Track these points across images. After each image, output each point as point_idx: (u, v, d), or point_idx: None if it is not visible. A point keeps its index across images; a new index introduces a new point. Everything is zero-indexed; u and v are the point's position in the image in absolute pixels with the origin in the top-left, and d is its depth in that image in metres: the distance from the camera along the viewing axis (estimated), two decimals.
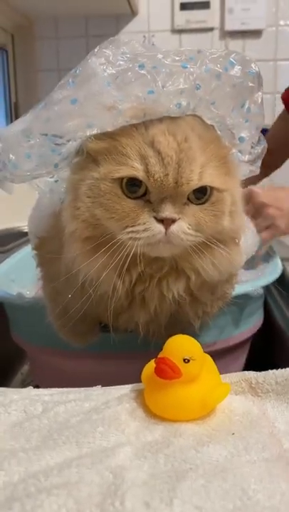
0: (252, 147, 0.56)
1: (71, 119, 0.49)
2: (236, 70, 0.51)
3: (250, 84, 0.53)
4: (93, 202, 0.48)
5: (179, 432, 0.39)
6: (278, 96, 1.67)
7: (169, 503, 0.31)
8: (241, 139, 0.55)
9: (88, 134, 0.50)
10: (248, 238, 0.71)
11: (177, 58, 0.50)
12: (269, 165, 1.10)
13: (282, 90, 1.68)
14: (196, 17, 1.69)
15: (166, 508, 0.30)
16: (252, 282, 0.71)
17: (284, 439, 0.38)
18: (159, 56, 0.49)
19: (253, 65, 0.52)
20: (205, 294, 0.55)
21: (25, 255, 0.90)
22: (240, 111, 0.53)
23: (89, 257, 0.50)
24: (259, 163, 0.57)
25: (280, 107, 1.67)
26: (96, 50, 0.50)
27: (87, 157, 0.51)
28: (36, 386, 0.61)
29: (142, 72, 0.48)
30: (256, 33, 1.64)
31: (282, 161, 1.33)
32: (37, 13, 1.63)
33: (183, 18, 1.70)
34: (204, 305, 0.57)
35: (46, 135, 0.50)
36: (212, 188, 0.49)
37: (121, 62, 0.49)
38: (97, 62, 0.49)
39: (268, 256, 0.86)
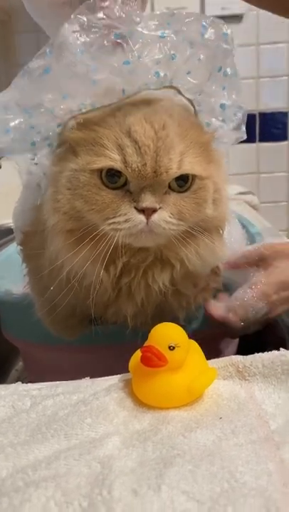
0: (234, 114, 0.55)
1: (46, 91, 0.48)
2: (210, 34, 0.50)
3: (225, 46, 0.51)
4: (73, 194, 0.48)
5: (167, 419, 0.39)
6: (261, 81, 1.67)
7: (157, 490, 0.31)
8: (222, 106, 0.54)
9: (62, 107, 0.49)
10: (235, 233, 0.70)
11: (154, 24, 0.48)
12: None
13: (265, 75, 1.68)
14: (176, 3, 1.68)
15: (154, 494, 0.30)
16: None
17: (271, 420, 0.38)
18: (136, 20, 0.48)
19: (224, 27, 0.51)
20: (187, 285, 0.55)
21: (14, 252, 0.89)
22: (217, 76, 0.52)
23: (72, 249, 0.49)
24: (243, 127, 0.56)
25: (264, 91, 1.67)
26: (72, 16, 0.48)
27: (68, 148, 0.50)
28: (31, 382, 0.61)
29: (118, 41, 0.47)
30: (237, 18, 1.63)
31: None
32: (15, 7, 1.61)
33: (163, 4, 1.69)
34: (187, 296, 0.57)
35: (25, 109, 0.49)
36: (193, 176, 0.49)
37: (96, 30, 0.47)
38: (70, 29, 0.47)
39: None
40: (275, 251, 0.59)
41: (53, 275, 0.53)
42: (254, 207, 1.50)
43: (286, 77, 1.66)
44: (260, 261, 0.60)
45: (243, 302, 0.57)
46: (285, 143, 1.69)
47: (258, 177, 1.71)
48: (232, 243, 0.64)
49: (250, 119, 1.64)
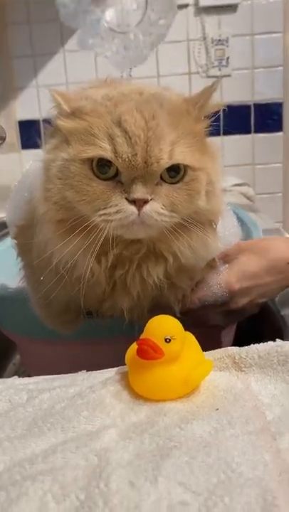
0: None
1: None
2: None
3: None
4: (63, 184, 0.48)
5: (163, 411, 0.39)
6: (256, 71, 1.66)
7: (154, 481, 0.31)
8: None
9: None
10: (229, 227, 0.70)
11: None
12: None
13: (260, 65, 1.67)
14: None
15: (151, 486, 0.31)
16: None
17: (268, 411, 0.38)
18: None
19: None
20: (183, 279, 0.55)
21: (9, 246, 0.89)
22: None
23: (62, 239, 0.49)
24: None
25: (259, 82, 1.66)
26: None
27: (61, 137, 0.50)
28: (28, 376, 0.61)
29: None
30: (231, 8, 1.61)
31: None
32: None
33: None
34: (184, 290, 0.57)
35: None
36: (186, 167, 0.48)
37: None
38: None
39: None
40: (239, 247, 0.63)
41: (42, 265, 0.53)
42: (249, 198, 1.50)
43: (281, 68, 1.64)
44: (226, 256, 0.62)
45: (207, 286, 0.60)
46: (280, 134, 1.68)
47: (253, 168, 1.71)
48: (227, 236, 0.64)
49: (245, 109, 1.63)
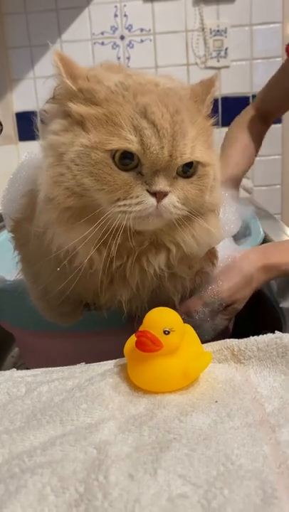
0: None
1: None
2: None
3: None
4: (81, 170, 0.46)
5: (162, 403, 0.39)
6: (255, 62, 1.64)
7: (153, 474, 0.31)
8: None
9: None
10: (230, 215, 0.70)
11: None
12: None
13: (259, 56, 1.66)
14: None
15: (151, 478, 0.30)
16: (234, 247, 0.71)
17: (267, 403, 0.38)
18: None
19: None
20: (183, 268, 0.55)
21: (6, 238, 0.88)
22: None
23: (65, 225, 0.48)
24: None
25: (257, 73, 1.65)
26: None
27: (74, 121, 0.48)
28: (27, 368, 0.61)
29: None
30: None
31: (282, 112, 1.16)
32: None
33: None
34: (183, 279, 0.57)
35: None
36: (198, 163, 0.49)
37: None
38: None
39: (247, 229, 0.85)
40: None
41: (40, 254, 0.52)
42: (248, 190, 1.49)
43: (280, 59, 1.63)
44: None
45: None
46: (279, 125, 1.67)
47: None
48: (228, 224, 0.64)
49: (244, 101, 1.62)
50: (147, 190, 0.46)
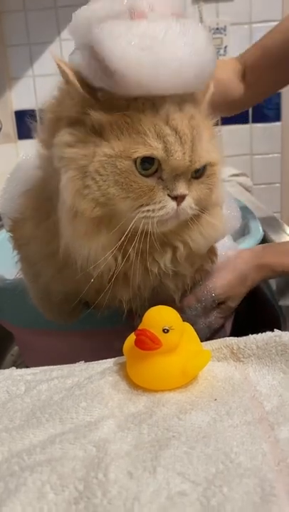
0: None
1: None
2: None
3: None
4: (106, 180, 0.46)
5: (162, 401, 0.39)
6: None
7: (152, 472, 0.31)
8: None
9: None
10: (232, 210, 0.71)
11: None
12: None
13: None
14: None
15: (150, 476, 0.31)
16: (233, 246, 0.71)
17: (266, 401, 0.38)
18: None
19: None
20: (186, 266, 0.55)
21: (5, 237, 0.88)
22: None
23: (91, 236, 0.48)
24: None
25: None
26: None
27: (90, 130, 0.48)
28: (27, 367, 0.61)
29: None
30: None
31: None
32: None
33: None
34: (184, 277, 0.57)
35: None
36: (208, 163, 0.50)
37: None
38: None
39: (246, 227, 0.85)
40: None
41: (42, 256, 0.52)
42: (247, 189, 1.50)
43: None
44: None
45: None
46: (278, 124, 1.67)
47: (251, 158, 1.70)
48: (230, 219, 0.65)
49: None
50: (169, 195, 0.47)
